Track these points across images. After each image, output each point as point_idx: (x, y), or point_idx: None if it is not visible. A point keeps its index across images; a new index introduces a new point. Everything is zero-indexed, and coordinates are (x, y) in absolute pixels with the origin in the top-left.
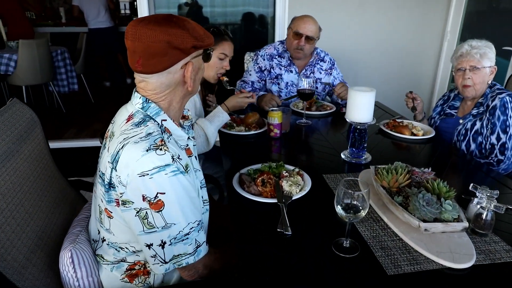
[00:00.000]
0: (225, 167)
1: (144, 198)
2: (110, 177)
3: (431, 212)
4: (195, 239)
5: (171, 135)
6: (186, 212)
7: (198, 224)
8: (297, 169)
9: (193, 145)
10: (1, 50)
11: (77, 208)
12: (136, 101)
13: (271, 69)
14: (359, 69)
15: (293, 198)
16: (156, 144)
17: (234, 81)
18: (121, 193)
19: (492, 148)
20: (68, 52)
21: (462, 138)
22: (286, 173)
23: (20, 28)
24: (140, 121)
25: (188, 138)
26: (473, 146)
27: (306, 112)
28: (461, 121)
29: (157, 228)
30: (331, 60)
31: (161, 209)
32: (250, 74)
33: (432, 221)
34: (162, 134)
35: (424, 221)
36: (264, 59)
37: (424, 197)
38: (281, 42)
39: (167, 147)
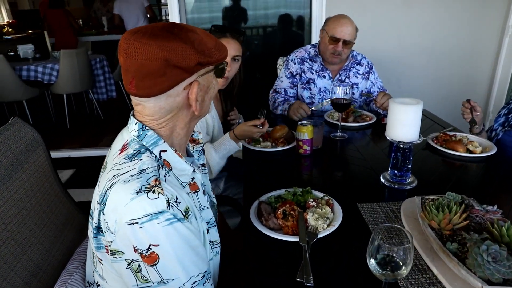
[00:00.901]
0: (245, 189)
1: (135, 250)
2: (98, 220)
3: (499, 272)
4: None
5: (171, 169)
6: (186, 266)
7: (203, 276)
8: (326, 197)
9: (203, 174)
10: (46, 61)
11: (84, 232)
12: (132, 128)
13: (302, 73)
14: (403, 72)
15: (319, 236)
16: (149, 184)
17: (267, 88)
18: (109, 242)
19: None
20: (107, 59)
21: None
22: (313, 202)
23: (65, 38)
24: (134, 153)
25: (194, 170)
26: None
27: (342, 123)
28: None
29: (153, 283)
30: (368, 63)
31: (156, 262)
32: (282, 81)
33: (502, 283)
34: (159, 170)
35: (490, 283)
36: (294, 63)
37: (489, 250)
38: (313, 45)
39: (162, 189)
